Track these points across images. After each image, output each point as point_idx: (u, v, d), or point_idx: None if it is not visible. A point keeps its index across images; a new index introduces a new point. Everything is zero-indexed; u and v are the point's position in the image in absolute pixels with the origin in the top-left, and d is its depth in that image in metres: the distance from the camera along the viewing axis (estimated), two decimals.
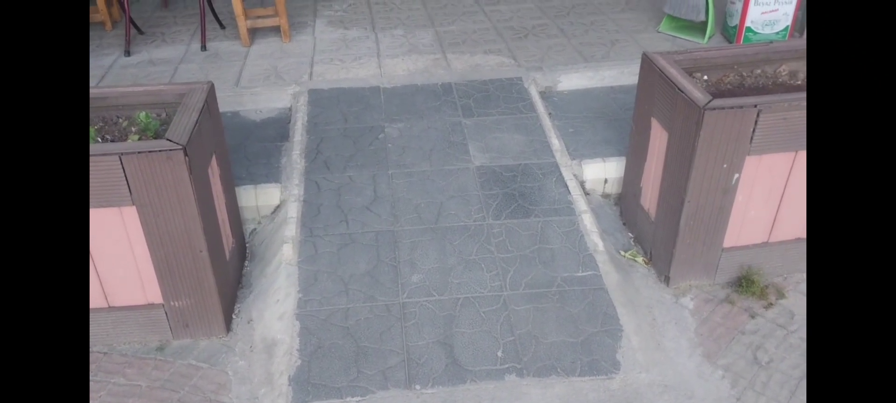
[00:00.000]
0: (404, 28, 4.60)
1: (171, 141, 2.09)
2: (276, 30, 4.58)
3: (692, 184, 2.41)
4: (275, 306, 2.49)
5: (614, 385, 2.21)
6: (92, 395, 2.22)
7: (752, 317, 2.53)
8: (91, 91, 2.44)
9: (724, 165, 2.39)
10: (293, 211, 2.85)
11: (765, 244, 2.63)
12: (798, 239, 2.66)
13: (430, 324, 2.38)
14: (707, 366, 2.32)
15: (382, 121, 3.41)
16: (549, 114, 3.55)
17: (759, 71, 2.69)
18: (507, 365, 2.26)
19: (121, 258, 2.24)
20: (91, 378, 2.29)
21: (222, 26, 4.66)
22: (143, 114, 2.30)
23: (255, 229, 2.98)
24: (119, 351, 2.38)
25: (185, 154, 2.08)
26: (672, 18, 4.44)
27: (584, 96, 3.72)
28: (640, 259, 2.80)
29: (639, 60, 2.74)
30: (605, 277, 2.59)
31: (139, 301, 2.34)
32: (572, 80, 3.85)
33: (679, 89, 2.40)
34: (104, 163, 2.05)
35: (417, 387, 2.18)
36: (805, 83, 2.56)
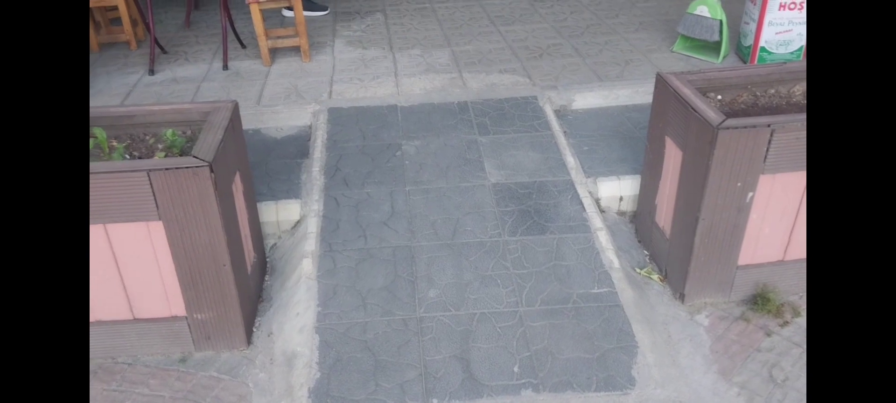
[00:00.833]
0: (421, 48, 4.67)
1: (197, 158, 2.16)
2: (296, 50, 4.67)
3: (706, 202, 2.44)
4: (295, 319, 2.53)
5: (630, 401, 2.23)
6: None
7: (768, 335, 2.53)
8: (118, 109, 2.52)
9: (738, 184, 2.41)
10: (313, 226, 2.90)
11: (780, 262, 2.65)
12: None
13: (447, 339, 2.42)
14: (722, 383, 2.33)
15: (400, 139, 3.47)
16: (565, 132, 3.59)
17: (773, 91, 2.72)
18: (523, 381, 2.28)
19: (146, 271, 2.30)
20: (115, 388, 2.34)
21: (243, 46, 4.76)
22: (169, 132, 2.37)
23: (275, 244, 3.04)
24: (143, 362, 2.44)
25: (211, 170, 2.14)
26: (686, 38, 4.48)
27: (598, 115, 3.77)
28: (655, 276, 2.82)
29: (653, 80, 2.78)
30: (621, 294, 2.61)
31: (163, 313, 2.40)
32: (587, 99, 3.90)
33: (693, 109, 2.44)
34: (132, 179, 2.11)
35: (434, 401, 2.22)
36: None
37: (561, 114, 3.79)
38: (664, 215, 2.79)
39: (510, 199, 3.06)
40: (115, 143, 2.40)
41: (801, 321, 2.59)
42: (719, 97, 2.69)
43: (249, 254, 2.65)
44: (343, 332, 2.45)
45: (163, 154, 2.33)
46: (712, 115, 2.35)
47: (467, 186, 3.14)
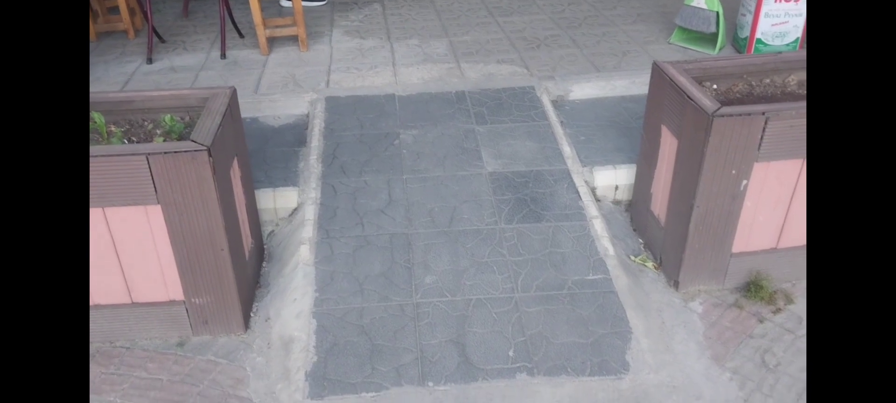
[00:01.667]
0: (419, 38, 4.68)
1: (195, 142, 2.17)
2: (293, 39, 4.68)
3: (701, 189, 2.46)
4: (292, 305, 2.55)
5: (623, 386, 2.25)
6: (115, 387, 2.29)
7: (761, 322, 2.56)
8: (117, 95, 2.53)
9: (733, 171, 2.43)
10: (310, 213, 2.92)
11: (773, 250, 2.67)
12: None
13: (443, 324, 2.44)
14: (715, 368, 2.36)
15: (397, 128, 3.48)
16: (561, 122, 3.61)
17: (768, 80, 2.74)
18: (518, 365, 2.31)
19: (144, 255, 2.31)
20: (114, 371, 2.36)
21: (241, 35, 4.77)
22: (167, 117, 2.38)
23: (273, 231, 3.06)
24: (141, 346, 2.46)
25: (209, 155, 2.16)
26: (683, 30, 4.50)
27: (595, 105, 3.78)
28: (649, 264, 2.84)
29: (649, 70, 2.79)
30: (615, 281, 2.63)
31: (161, 297, 2.42)
32: (584, 89, 3.91)
33: (688, 97, 2.45)
34: (132, 163, 2.13)
35: (430, 384, 2.24)
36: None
37: (558, 104, 3.80)
38: (659, 203, 2.81)
39: (507, 188, 3.08)
40: (113, 128, 2.41)
41: (794, 308, 2.61)
42: (715, 86, 2.70)
43: (247, 240, 2.67)
44: (340, 317, 2.47)
45: (161, 139, 2.34)
46: (707, 103, 2.37)
47: (464, 175, 3.16)
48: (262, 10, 5.07)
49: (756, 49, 4.17)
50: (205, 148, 2.15)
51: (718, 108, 2.33)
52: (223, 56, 4.41)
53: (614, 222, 3.08)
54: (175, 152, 2.13)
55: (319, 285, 2.60)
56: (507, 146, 3.36)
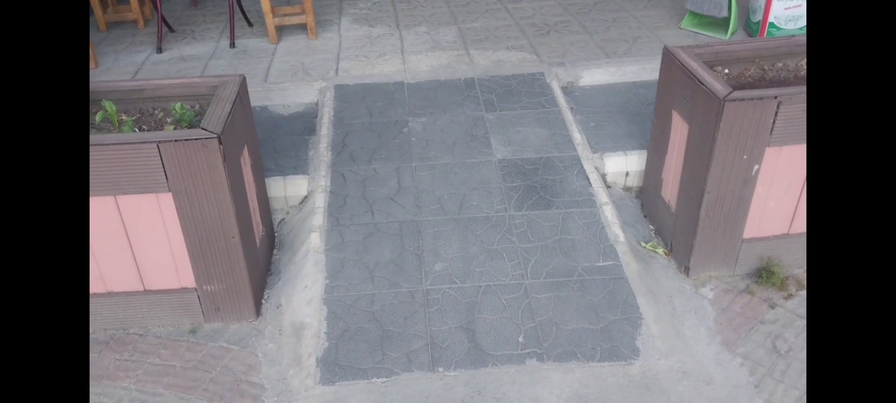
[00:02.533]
0: (428, 25, 4.67)
1: (206, 130, 2.18)
2: (302, 27, 4.68)
3: (712, 174, 2.44)
4: (303, 292, 2.57)
5: (633, 371, 2.25)
6: (129, 374, 2.32)
7: (772, 307, 2.55)
8: (128, 83, 2.54)
9: (744, 156, 2.41)
10: (320, 201, 2.93)
11: (785, 235, 2.65)
12: None
13: (453, 310, 2.44)
14: (726, 354, 2.35)
15: (406, 116, 3.48)
16: (571, 108, 3.59)
17: (780, 64, 2.71)
18: (528, 350, 2.31)
19: (156, 243, 2.33)
20: (127, 358, 2.39)
21: (250, 24, 4.77)
22: (178, 105, 2.39)
23: (283, 219, 3.07)
24: (154, 333, 2.48)
25: (220, 142, 2.17)
26: (694, 15, 4.46)
27: (605, 91, 3.76)
28: (660, 250, 2.84)
29: (660, 56, 2.77)
30: (626, 267, 2.63)
31: (173, 285, 2.44)
32: (594, 76, 3.89)
33: (699, 81, 2.43)
34: (143, 151, 2.14)
35: (440, 370, 2.25)
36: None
37: (568, 90, 3.78)
38: (670, 189, 2.80)
39: (516, 175, 3.08)
40: (124, 117, 2.42)
41: (806, 293, 2.60)
42: (726, 71, 2.68)
43: (258, 228, 2.68)
44: (350, 304, 2.48)
45: (172, 127, 2.35)
46: (719, 88, 2.35)
47: (474, 162, 3.15)
48: None
49: (769, 33, 4.12)
50: (215, 135, 2.16)
51: (730, 93, 2.31)
52: (232, 45, 4.42)
53: (625, 209, 3.07)
54: (185, 140, 2.14)
55: (330, 272, 2.61)
56: (517, 133, 3.35)
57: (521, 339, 2.35)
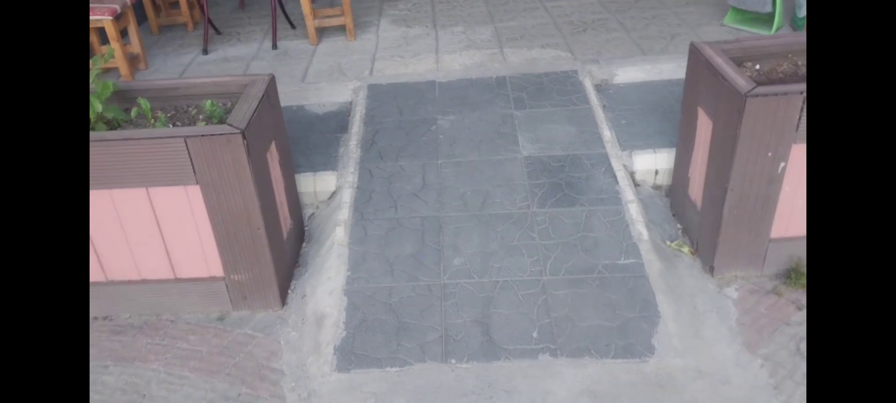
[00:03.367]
0: (465, 25, 4.71)
1: (231, 125, 2.28)
2: (342, 29, 4.79)
3: (735, 172, 2.39)
4: (326, 283, 2.64)
5: (647, 368, 2.23)
6: (159, 357, 2.44)
7: (800, 309, 2.47)
8: (163, 82, 2.68)
9: (769, 154, 2.35)
10: (347, 196, 3.00)
11: None
12: None
13: (469, 304, 2.47)
14: (746, 355, 2.30)
15: (436, 114, 3.52)
16: (603, 106, 3.56)
17: None
18: (541, 346, 2.32)
19: (186, 233, 2.45)
20: (158, 342, 2.51)
21: (293, 26, 4.92)
22: (208, 103, 2.51)
23: (313, 213, 3.16)
24: (184, 320, 2.60)
25: (244, 137, 2.26)
26: (737, 11, 4.35)
27: (639, 89, 3.71)
28: (686, 249, 2.79)
29: None
30: (647, 265, 2.60)
31: (202, 273, 2.55)
32: (629, 73, 3.85)
33: (723, 77, 2.39)
34: (172, 145, 2.25)
35: (453, 361, 2.28)
36: None
37: (602, 88, 3.76)
38: (696, 187, 2.75)
39: (542, 172, 3.08)
40: (159, 113, 2.56)
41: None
42: (758, 67, 2.62)
43: (285, 221, 2.77)
44: (370, 295, 2.54)
45: (203, 123, 2.47)
46: (741, 83, 2.30)
47: (499, 159, 3.17)
48: (313, 1, 5.21)
49: None
50: (239, 131, 2.25)
51: (752, 88, 2.26)
52: (274, 46, 4.56)
53: (653, 207, 3.03)
54: (211, 135, 2.25)
55: (352, 264, 2.68)
56: (545, 130, 3.35)
57: (535, 334, 2.36)
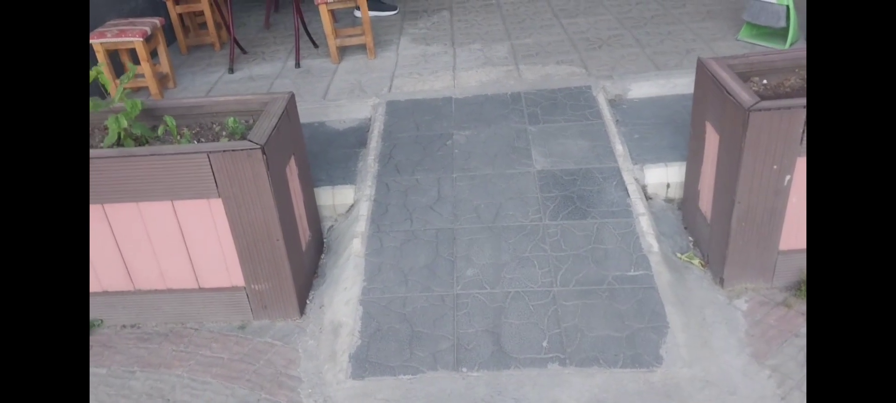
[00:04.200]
0: (482, 42, 4.80)
1: (251, 141, 2.39)
2: (362, 47, 4.92)
3: (741, 185, 2.43)
4: (343, 293, 2.73)
5: (655, 378, 2.27)
6: (183, 363, 2.55)
7: None
8: (188, 100, 2.81)
9: (775, 166, 2.39)
10: (364, 209, 3.10)
11: None
12: None
13: (481, 314, 2.54)
14: (754, 366, 2.33)
15: (451, 129, 3.61)
16: (617, 120, 3.62)
17: None
18: (551, 355, 2.37)
19: (209, 244, 2.56)
20: (183, 349, 2.62)
21: (316, 45, 5.06)
22: (231, 120, 2.62)
23: (332, 226, 3.26)
24: (207, 328, 2.71)
25: (263, 152, 2.37)
26: (752, 26, 4.37)
27: (653, 104, 3.76)
28: (696, 261, 2.82)
29: None
30: (657, 277, 2.64)
31: (225, 283, 2.66)
32: (643, 88, 3.90)
33: (727, 92, 2.44)
34: (195, 160, 2.37)
35: (464, 370, 2.35)
36: None
37: (615, 103, 3.81)
38: (706, 200, 2.79)
39: (554, 185, 3.14)
40: (185, 130, 2.68)
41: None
42: (765, 81, 2.66)
43: (304, 233, 2.87)
44: (385, 305, 2.62)
45: (226, 139, 2.58)
46: (745, 97, 2.35)
47: (513, 173, 3.24)
48: (336, 20, 5.35)
49: None
50: (259, 146, 2.36)
51: (756, 103, 2.31)
52: (297, 65, 4.70)
53: (664, 220, 3.07)
54: (233, 150, 2.36)
55: (368, 275, 2.76)
56: (559, 145, 3.41)
57: (545, 344, 2.41)
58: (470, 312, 2.55)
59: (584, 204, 3.02)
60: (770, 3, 4.16)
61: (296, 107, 2.83)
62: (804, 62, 2.69)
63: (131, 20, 4.35)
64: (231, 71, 4.68)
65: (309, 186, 2.99)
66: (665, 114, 3.64)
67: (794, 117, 2.29)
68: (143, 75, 4.24)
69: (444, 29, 5.19)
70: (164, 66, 4.42)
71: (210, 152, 2.36)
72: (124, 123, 2.50)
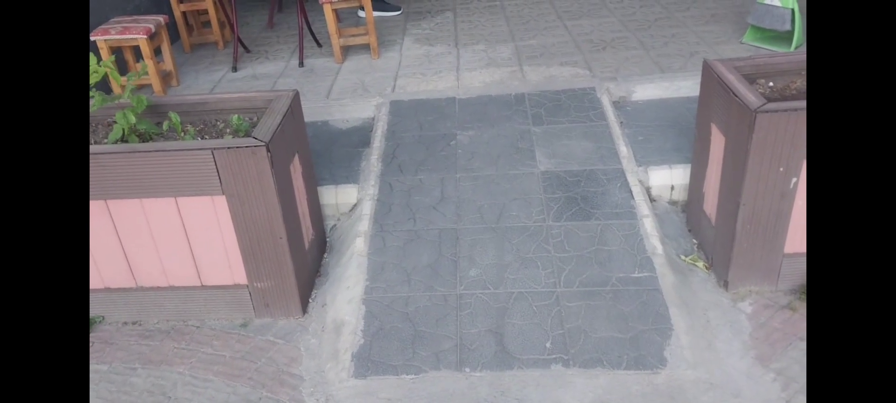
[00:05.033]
0: (486, 43, 4.80)
1: (256, 138, 2.38)
2: (366, 47, 4.92)
3: (747, 187, 2.42)
4: (345, 292, 2.72)
5: (658, 380, 2.26)
6: (184, 361, 2.54)
7: None
8: (192, 97, 2.80)
9: (781, 169, 2.38)
10: (367, 208, 3.09)
11: None
12: None
13: (484, 314, 2.53)
14: (758, 368, 2.32)
15: (455, 129, 3.61)
16: (621, 122, 3.61)
17: None
18: (554, 356, 2.36)
19: (212, 241, 2.55)
20: (184, 346, 2.61)
21: (319, 45, 5.06)
22: (235, 117, 2.62)
23: (335, 225, 3.25)
24: (209, 326, 2.70)
25: (268, 150, 2.36)
26: (756, 29, 4.37)
27: (657, 106, 3.75)
28: (700, 263, 2.81)
29: None
30: (661, 279, 2.63)
31: (227, 281, 2.65)
32: (647, 91, 3.89)
33: (733, 94, 2.43)
34: (199, 157, 2.36)
35: (467, 370, 2.34)
36: None
37: (619, 105, 3.80)
38: (710, 202, 2.78)
39: (558, 186, 3.13)
40: (189, 127, 2.68)
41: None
42: (770, 84, 2.65)
43: (307, 231, 2.86)
44: (387, 305, 2.61)
45: (230, 136, 2.58)
46: (752, 99, 2.34)
47: (516, 174, 3.23)
48: (340, 20, 5.35)
49: None
50: (263, 144, 2.35)
51: (762, 104, 2.30)
52: (301, 64, 4.70)
53: (669, 222, 3.06)
54: (237, 148, 2.35)
55: (371, 274, 2.76)
56: (563, 146, 3.40)
57: (548, 345, 2.40)
58: (473, 312, 2.54)
59: (588, 206, 3.01)
60: (775, 6, 4.15)
61: (300, 105, 2.82)
62: None
63: (135, 18, 4.34)
64: (234, 69, 4.67)
65: (312, 185, 2.99)
66: (669, 116, 3.63)
67: (800, 119, 2.28)
68: (146, 73, 4.24)
69: (448, 29, 5.19)
70: (168, 63, 4.42)
71: (214, 149, 2.35)
72: (133, 119, 2.49)
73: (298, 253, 2.69)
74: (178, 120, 2.57)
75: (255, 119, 2.70)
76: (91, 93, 2.55)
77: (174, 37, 5.16)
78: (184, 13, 5.07)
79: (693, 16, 4.98)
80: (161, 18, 4.30)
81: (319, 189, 3.19)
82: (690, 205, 3.05)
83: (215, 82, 4.52)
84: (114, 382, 2.48)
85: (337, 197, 3.25)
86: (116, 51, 4.29)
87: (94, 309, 2.75)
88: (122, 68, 4.49)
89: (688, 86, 3.86)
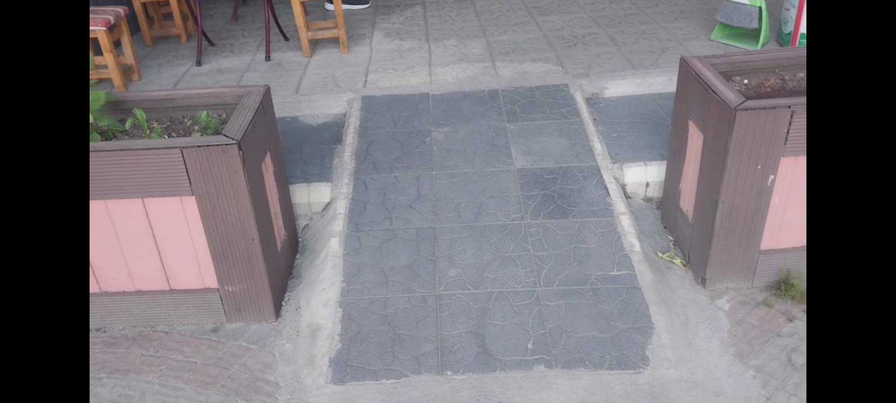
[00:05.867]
0: (457, 38, 4.75)
1: (227, 136, 2.29)
2: (335, 41, 4.81)
3: (726, 185, 2.43)
4: (320, 294, 2.65)
5: (641, 380, 2.25)
6: (153, 369, 2.43)
7: (790, 321, 2.51)
8: (159, 93, 2.68)
9: (759, 166, 2.40)
10: (341, 207, 3.01)
11: (804, 247, 2.61)
12: None
13: (464, 315, 2.49)
14: (738, 366, 2.33)
15: (429, 126, 3.55)
16: (594, 119, 3.60)
17: (801, 74, 2.68)
18: (536, 357, 2.33)
19: (181, 244, 2.45)
20: (153, 353, 2.50)
21: (286, 38, 4.94)
22: (204, 114, 2.51)
23: (307, 225, 3.17)
24: (178, 331, 2.60)
25: (240, 148, 2.27)
26: (725, 26, 4.42)
27: (629, 102, 3.76)
28: (677, 261, 2.82)
29: None
30: (640, 277, 2.62)
31: (197, 285, 2.55)
32: (619, 87, 3.90)
33: (712, 91, 2.43)
34: (168, 156, 2.26)
35: (448, 373, 2.29)
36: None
37: (592, 101, 3.80)
38: (687, 199, 2.79)
39: (534, 184, 3.11)
40: (155, 124, 2.56)
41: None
42: (746, 81, 2.67)
43: (280, 232, 2.78)
44: (365, 307, 2.55)
45: (199, 134, 2.47)
46: (731, 97, 2.34)
47: (493, 171, 3.20)
48: (307, 13, 5.23)
49: (800, 44, 4.05)
50: (235, 142, 2.26)
51: (742, 102, 2.30)
52: (268, 58, 4.58)
53: (644, 219, 3.06)
54: (207, 146, 2.26)
55: (347, 276, 2.69)
56: (538, 143, 3.38)
57: (530, 345, 2.37)
58: (453, 313, 2.50)
59: (565, 203, 2.99)
60: (743, 4, 4.20)
61: (271, 101, 2.73)
62: (784, 62, 2.71)
63: (93, 9, 4.16)
64: (199, 63, 4.52)
65: (284, 184, 2.90)
66: (642, 112, 3.64)
67: (779, 117, 2.30)
68: (105, 66, 4.07)
69: (418, 24, 5.12)
70: (129, 57, 4.25)
71: (184, 147, 2.25)
72: (91, 117, 2.37)
73: (271, 254, 2.60)
74: (144, 117, 2.46)
75: (225, 116, 2.60)
76: None
77: (134, 29, 4.98)
78: (144, 4, 4.88)
79: (662, 12, 5.02)
80: (120, 10, 4.13)
81: (291, 187, 3.10)
82: (666, 202, 3.05)
83: (179, 77, 4.37)
84: None
85: (309, 195, 3.17)
86: None
87: None
88: None
89: (660, 83, 3.88)
